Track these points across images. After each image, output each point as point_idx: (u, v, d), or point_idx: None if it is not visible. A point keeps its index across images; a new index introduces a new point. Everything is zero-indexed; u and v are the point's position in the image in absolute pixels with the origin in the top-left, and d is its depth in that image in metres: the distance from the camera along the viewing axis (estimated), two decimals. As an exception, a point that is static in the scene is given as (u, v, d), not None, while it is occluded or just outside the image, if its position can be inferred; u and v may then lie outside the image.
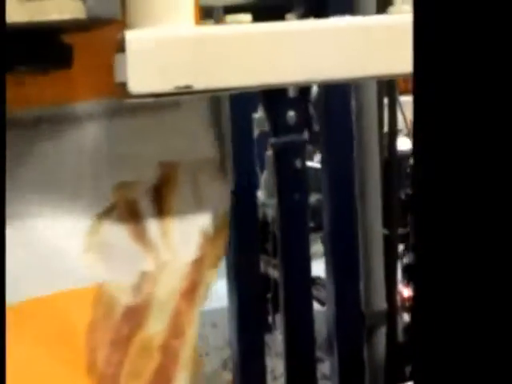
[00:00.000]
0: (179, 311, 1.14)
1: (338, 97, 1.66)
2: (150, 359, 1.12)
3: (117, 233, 1.10)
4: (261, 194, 3.14)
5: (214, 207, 1.17)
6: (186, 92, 0.92)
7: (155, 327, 1.12)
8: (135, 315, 1.11)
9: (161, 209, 1.13)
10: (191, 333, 1.16)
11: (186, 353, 1.17)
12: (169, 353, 1.14)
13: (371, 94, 1.77)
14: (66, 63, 0.89)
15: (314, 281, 2.58)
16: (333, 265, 1.75)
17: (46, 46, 0.85)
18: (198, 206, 1.16)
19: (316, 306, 2.38)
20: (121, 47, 0.87)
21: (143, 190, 1.12)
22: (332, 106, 1.67)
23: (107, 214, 1.10)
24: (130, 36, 0.88)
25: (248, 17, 0.91)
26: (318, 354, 1.99)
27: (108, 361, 1.10)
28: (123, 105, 1.06)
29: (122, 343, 1.10)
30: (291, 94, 1.59)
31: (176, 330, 1.14)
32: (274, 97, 1.58)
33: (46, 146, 1.07)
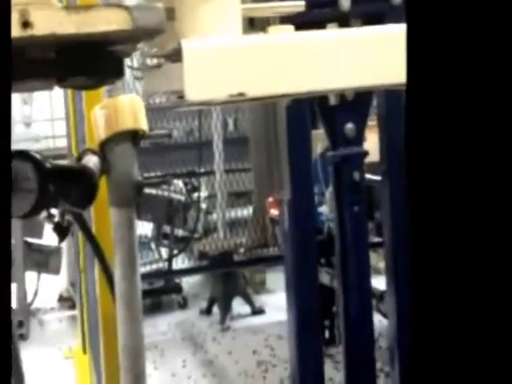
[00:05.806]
0: None
1: (397, 108, 1.65)
2: None
3: None
4: (325, 209, 3.15)
5: None
6: (240, 100, 0.95)
7: None
8: None
9: None
10: None
11: None
12: None
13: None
14: (118, 74, 0.92)
15: (382, 295, 2.57)
16: (394, 278, 1.74)
17: (97, 59, 0.88)
18: None
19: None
20: (174, 57, 0.90)
21: None
22: (391, 119, 1.67)
23: None
24: (187, 46, 0.91)
25: (291, 27, 0.94)
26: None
27: None
28: None
29: None
30: (350, 106, 1.60)
31: None
32: (332, 110, 1.59)
33: None
